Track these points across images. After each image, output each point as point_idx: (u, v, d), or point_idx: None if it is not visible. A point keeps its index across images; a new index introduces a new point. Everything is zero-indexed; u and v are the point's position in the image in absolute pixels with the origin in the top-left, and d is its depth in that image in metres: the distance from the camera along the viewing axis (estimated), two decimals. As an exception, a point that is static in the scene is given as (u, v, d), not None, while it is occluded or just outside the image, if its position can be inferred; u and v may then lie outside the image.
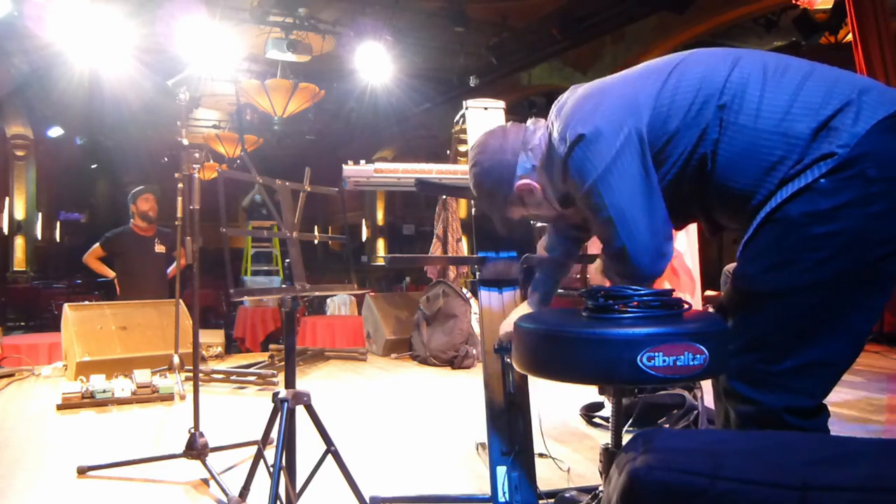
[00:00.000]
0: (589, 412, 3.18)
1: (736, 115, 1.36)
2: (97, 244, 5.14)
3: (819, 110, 1.30)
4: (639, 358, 1.23)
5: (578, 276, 4.63)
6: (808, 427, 1.33)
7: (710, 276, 4.44)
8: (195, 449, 2.35)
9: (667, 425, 2.75)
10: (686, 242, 4.04)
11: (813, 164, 1.29)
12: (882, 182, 1.25)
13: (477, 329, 4.87)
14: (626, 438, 1.17)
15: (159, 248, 5.17)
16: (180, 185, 3.38)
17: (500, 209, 1.66)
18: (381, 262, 14.70)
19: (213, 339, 5.58)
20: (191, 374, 2.62)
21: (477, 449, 2.64)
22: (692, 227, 4.09)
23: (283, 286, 7.12)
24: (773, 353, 1.33)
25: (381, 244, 16.39)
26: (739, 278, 1.40)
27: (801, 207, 1.29)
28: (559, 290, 1.87)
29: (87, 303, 4.93)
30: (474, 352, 4.86)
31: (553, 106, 1.59)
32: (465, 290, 5.23)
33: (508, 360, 1.84)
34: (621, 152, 1.39)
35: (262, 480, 1.92)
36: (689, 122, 1.39)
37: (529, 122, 1.64)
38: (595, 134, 1.40)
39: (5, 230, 12.81)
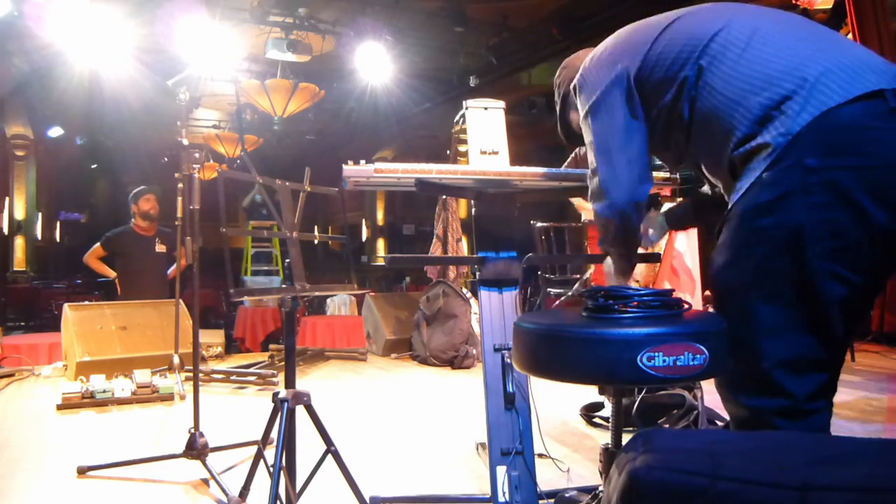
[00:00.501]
0: (589, 412, 3.18)
1: (713, 77, 1.38)
2: (98, 244, 5.15)
3: (777, 87, 1.29)
4: (639, 358, 1.23)
5: (578, 276, 4.63)
6: (801, 430, 1.30)
7: (710, 276, 4.44)
8: (195, 449, 2.35)
9: (667, 425, 2.75)
10: (686, 242, 4.04)
11: (756, 151, 1.29)
12: (822, 171, 1.22)
13: (477, 329, 4.86)
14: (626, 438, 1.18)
15: (160, 248, 5.17)
16: (180, 185, 3.38)
17: (562, 108, 1.86)
18: (381, 262, 14.71)
19: (213, 339, 5.58)
20: (191, 374, 2.62)
21: (477, 449, 2.64)
22: (692, 228, 4.09)
23: (283, 286, 7.12)
24: (747, 353, 1.32)
25: (381, 244, 16.38)
26: (709, 279, 1.42)
27: (747, 202, 1.29)
28: (558, 290, 1.88)
29: (87, 303, 4.94)
30: (474, 352, 4.86)
31: None
32: (465, 290, 5.23)
33: (508, 360, 1.85)
34: (610, 87, 1.52)
35: (262, 480, 1.92)
36: (671, 75, 1.45)
37: None
38: (594, 65, 1.59)
39: (5, 230, 12.80)
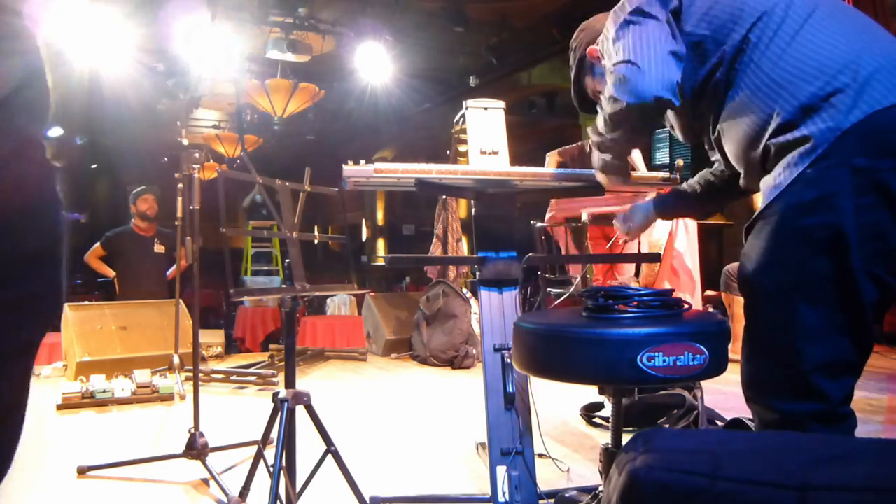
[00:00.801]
0: (589, 412, 3.18)
1: (760, 55, 1.32)
2: (98, 244, 5.16)
3: (831, 77, 1.25)
4: (639, 358, 1.23)
5: (578, 276, 4.63)
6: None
7: (710, 276, 4.45)
8: (195, 449, 2.35)
9: (667, 425, 2.75)
10: (686, 242, 4.04)
11: (796, 144, 1.25)
12: (871, 173, 1.20)
13: (477, 329, 4.86)
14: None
15: (159, 249, 5.18)
16: (180, 185, 3.38)
17: (577, 73, 1.79)
18: (381, 262, 14.70)
19: (213, 339, 5.58)
20: (191, 374, 2.62)
21: (477, 449, 2.64)
22: (692, 227, 4.10)
23: (283, 286, 7.12)
24: (784, 356, 1.28)
25: (381, 244, 16.38)
26: (741, 282, 1.37)
27: (789, 199, 1.25)
28: (558, 290, 1.88)
29: (87, 303, 4.94)
30: (474, 352, 4.86)
31: None
32: (465, 290, 5.23)
33: (508, 360, 1.85)
34: (650, 3, 1.41)
35: (262, 480, 1.92)
36: (718, 37, 1.37)
37: None
38: None
39: (5, 230, 12.78)
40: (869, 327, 1.27)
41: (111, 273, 5.18)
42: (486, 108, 2.10)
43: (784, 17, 1.32)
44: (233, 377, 4.27)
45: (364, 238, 17.22)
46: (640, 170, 2.45)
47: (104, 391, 3.54)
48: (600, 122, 1.58)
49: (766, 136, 1.30)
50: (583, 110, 1.86)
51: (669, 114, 1.61)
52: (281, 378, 3.96)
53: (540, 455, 2.18)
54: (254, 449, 2.25)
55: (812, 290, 1.25)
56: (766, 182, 1.32)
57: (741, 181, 1.49)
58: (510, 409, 1.88)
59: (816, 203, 1.22)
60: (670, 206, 1.85)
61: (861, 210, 1.20)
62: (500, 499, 1.81)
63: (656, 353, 1.23)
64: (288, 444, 1.80)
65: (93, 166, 14.13)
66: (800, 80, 1.27)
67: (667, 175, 2.06)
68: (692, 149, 7.20)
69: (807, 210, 1.23)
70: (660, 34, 1.39)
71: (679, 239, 3.99)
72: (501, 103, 2.13)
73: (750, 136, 1.35)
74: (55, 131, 11.99)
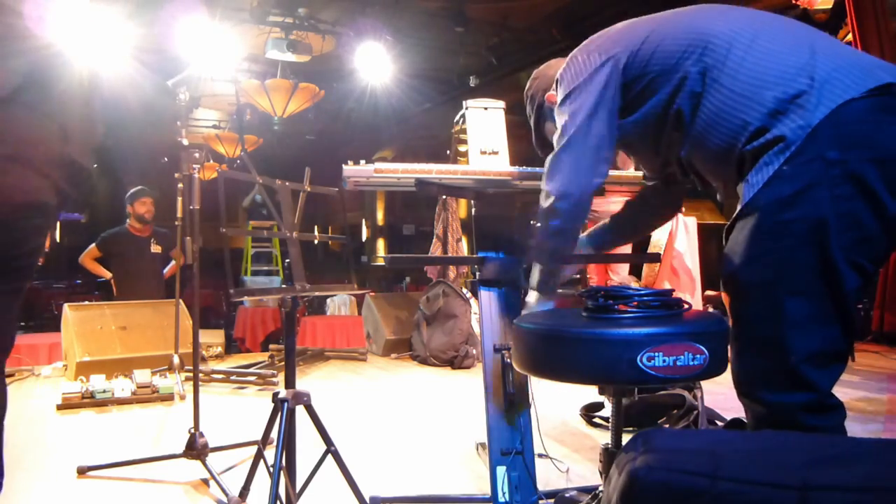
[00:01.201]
0: (589, 412, 3.18)
1: (719, 73, 1.38)
2: (93, 245, 5.14)
3: (791, 81, 1.30)
4: (639, 358, 1.23)
5: (578, 275, 4.63)
6: (824, 425, 1.30)
7: (710, 276, 4.44)
8: (195, 449, 2.35)
9: (667, 425, 2.75)
10: (686, 242, 4.05)
11: (770, 144, 1.29)
12: (843, 164, 1.24)
13: (477, 329, 4.86)
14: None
15: (155, 249, 5.16)
16: (180, 185, 3.38)
17: (536, 118, 1.85)
18: (381, 262, 14.70)
19: (213, 339, 5.58)
20: (191, 374, 2.62)
21: (477, 449, 2.64)
22: (692, 227, 4.10)
23: (283, 286, 7.12)
24: (772, 349, 1.31)
25: (381, 244, 16.37)
26: (725, 277, 1.40)
27: (768, 195, 1.29)
28: (561, 291, 1.87)
29: (87, 303, 4.94)
30: (474, 352, 4.86)
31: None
32: (465, 290, 5.23)
33: (508, 360, 1.84)
34: (594, 72, 1.52)
35: (262, 480, 1.92)
36: (668, 69, 1.45)
37: None
38: (582, 52, 1.59)
39: (5, 230, 12.77)
40: (853, 314, 1.30)
41: (107, 274, 5.17)
42: (486, 108, 2.10)
43: (732, 38, 1.40)
44: (233, 377, 4.27)
45: (364, 238, 17.21)
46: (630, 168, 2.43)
47: (104, 391, 3.54)
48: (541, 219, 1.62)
49: (740, 145, 1.35)
50: (544, 155, 1.85)
51: (634, 157, 1.69)
52: (281, 378, 3.96)
53: (540, 455, 2.18)
54: (254, 449, 2.25)
55: (796, 281, 1.29)
56: (743, 185, 1.36)
57: (719, 196, 1.56)
58: (510, 409, 1.88)
59: (795, 197, 1.26)
60: (603, 239, 1.91)
61: (838, 200, 1.24)
62: (500, 499, 1.81)
63: (656, 353, 1.23)
64: (288, 444, 1.80)
65: (93, 166, 14.12)
66: (762, 88, 1.33)
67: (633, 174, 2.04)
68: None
69: (786, 204, 1.27)
70: (593, 106, 1.51)
71: (679, 239, 4.00)
72: (501, 103, 2.13)
73: (723, 149, 1.39)
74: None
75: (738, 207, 1.36)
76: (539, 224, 1.61)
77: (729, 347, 1.38)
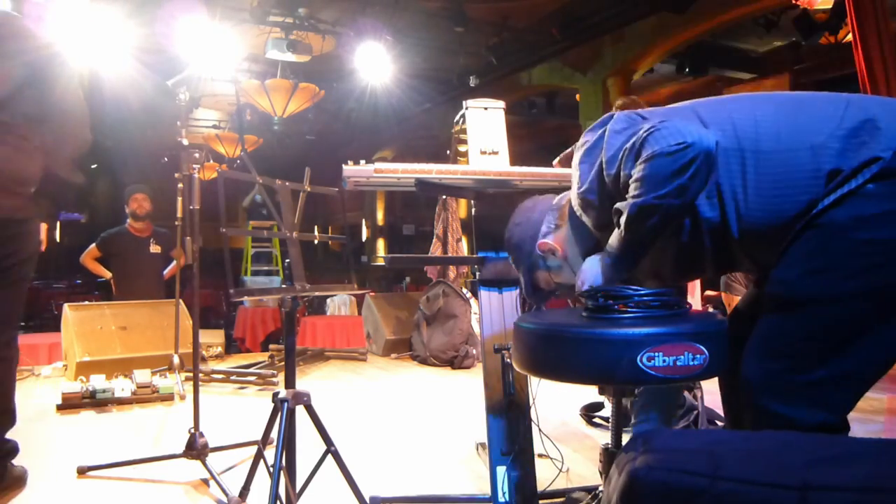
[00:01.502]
0: (589, 412, 3.18)
1: (756, 147, 1.31)
2: (93, 245, 5.14)
3: (841, 123, 1.27)
4: (639, 358, 1.23)
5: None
6: None
7: (782, 281, 4.42)
8: (195, 449, 2.35)
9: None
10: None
11: (859, 169, 1.24)
12: None
13: (477, 329, 4.86)
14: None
15: (155, 249, 5.16)
16: (180, 185, 3.38)
17: (527, 268, 1.67)
18: (381, 262, 14.70)
19: (213, 339, 5.58)
20: (191, 374, 2.62)
21: (477, 449, 2.64)
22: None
23: (283, 286, 7.12)
24: (803, 362, 1.27)
25: (381, 244, 16.38)
26: (776, 283, 1.33)
27: (848, 212, 1.24)
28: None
29: (87, 303, 4.94)
30: (474, 352, 4.86)
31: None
32: (465, 290, 5.23)
33: (508, 360, 1.84)
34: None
35: (262, 480, 1.92)
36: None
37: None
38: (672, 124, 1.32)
39: (5, 230, 12.76)
40: None
41: (107, 274, 5.17)
42: (486, 108, 2.10)
43: (754, 115, 1.35)
44: (233, 377, 4.27)
45: (364, 238, 17.22)
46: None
47: (104, 391, 3.54)
48: (616, 236, 1.41)
49: (822, 192, 1.27)
50: (535, 301, 1.77)
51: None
52: (281, 378, 3.96)
53: (540, 455, 2.18)
54: (254, 449, 2.25)
55: (860, 302, 1.25)
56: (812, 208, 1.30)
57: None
58: (510, 409, 1.88)
59: (879, 217, 1.23)
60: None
61: None
62: (500, 499, 1.81)
63: (656, 353, 1.23)
64: (288, 444, 1.80)
65: (93, 166, 14.13)
66: (812, 134, 1.28)
67: None
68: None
69: (868, 223, 1.23)
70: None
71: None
72: (501, 103, 2.13)
73: (797, 211, 1.29)
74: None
75: (802, 222, 1.29)
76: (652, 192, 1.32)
77: (742, 350, 1.36)
